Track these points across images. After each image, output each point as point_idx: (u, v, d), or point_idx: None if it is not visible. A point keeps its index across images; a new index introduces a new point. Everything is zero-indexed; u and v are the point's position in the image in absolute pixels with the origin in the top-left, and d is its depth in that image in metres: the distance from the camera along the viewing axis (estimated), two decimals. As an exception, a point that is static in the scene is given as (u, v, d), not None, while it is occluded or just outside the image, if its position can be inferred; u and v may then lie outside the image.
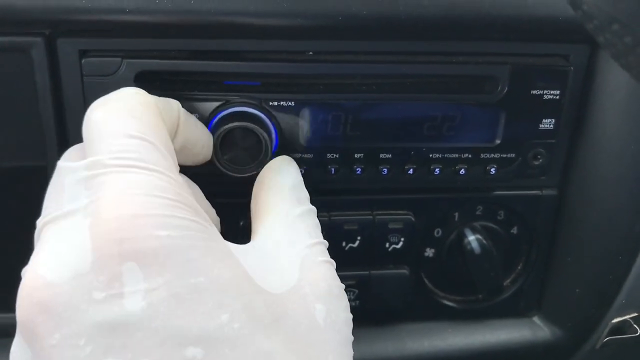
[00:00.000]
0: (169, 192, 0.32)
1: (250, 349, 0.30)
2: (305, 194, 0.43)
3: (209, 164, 0.47)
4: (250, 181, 0.45)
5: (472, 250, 0.57)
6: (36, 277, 0.30)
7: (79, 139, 0.46)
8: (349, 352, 0.36)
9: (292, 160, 0.47)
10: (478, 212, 0.58)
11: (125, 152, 0.33)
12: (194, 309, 0.29)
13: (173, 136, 0.40)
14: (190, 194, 0.34)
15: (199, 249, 0.31)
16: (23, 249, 0.35)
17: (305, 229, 0.39)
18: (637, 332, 0.61)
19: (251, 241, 0.39)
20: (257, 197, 0.43)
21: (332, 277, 0.37)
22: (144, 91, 0.38)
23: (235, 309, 0.30)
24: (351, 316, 0.37)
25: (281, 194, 0.42)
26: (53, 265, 0.30)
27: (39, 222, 0.34)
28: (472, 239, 0.58)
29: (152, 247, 0.30)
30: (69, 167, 0.34)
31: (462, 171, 0.53)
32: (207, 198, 0.44)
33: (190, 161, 0.44)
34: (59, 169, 0.35)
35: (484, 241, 0.57)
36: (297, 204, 0.41)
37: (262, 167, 0.46)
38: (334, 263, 0.39)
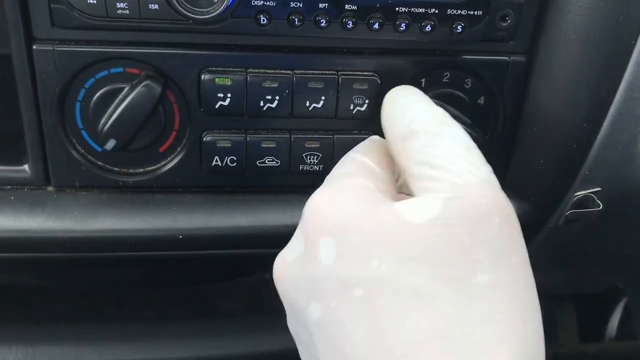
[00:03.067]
0: (366, 170, 0.42)
1: (399, 285, 0.35)
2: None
3: None
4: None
5: None
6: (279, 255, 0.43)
7: (42, 27, 0.50)
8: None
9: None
10: (445, 79, 0.58)
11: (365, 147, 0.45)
12: (355, 260, 0.37)
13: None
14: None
15: (366, 214, 0.38)
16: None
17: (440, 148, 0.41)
18: (600, 207, 0.62)
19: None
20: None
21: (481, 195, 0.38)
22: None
23: (380, 253, 0.36)
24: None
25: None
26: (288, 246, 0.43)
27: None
28: None
29: (337, 220, 0.38)
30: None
31: (429, 27, 0.52)
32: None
33: None
34: None
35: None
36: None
37: None
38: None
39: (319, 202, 0.40)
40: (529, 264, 0.38)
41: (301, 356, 0.43)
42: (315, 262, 0.38)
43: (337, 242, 0.38)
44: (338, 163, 0.44)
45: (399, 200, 0.39)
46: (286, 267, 0.41)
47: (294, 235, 0.43)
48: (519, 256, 0.38)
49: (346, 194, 0.40)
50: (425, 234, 0.36)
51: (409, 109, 0.43)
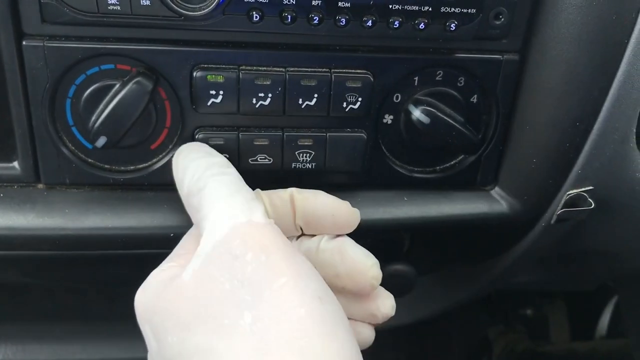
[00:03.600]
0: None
1: (189, 351, 0.40)
2: None
3: None
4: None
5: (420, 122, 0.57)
6: None
7: (32, 22, 0.50)
8: None
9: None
10: (438, 77, 0.58)
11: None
12: (158, 342, 0.43)
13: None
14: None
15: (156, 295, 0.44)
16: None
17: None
18: (592, 206, 0.62)
19: None
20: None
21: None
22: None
23: (170, 327, 0.41)
24: None
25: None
26: None
27: None
28: (417, 114, 0.57)
29: None
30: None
31: (422, 25, 0.52)
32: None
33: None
34: None
35: (430, 108, 0.57)
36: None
37: None
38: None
39: (139, 292, 0.45)
40: (303, 276, 0.41)
41: None
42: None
43: (151, 327, 0.43)
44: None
45: None
46: None
47: None
48: (284, 278, 0.40)
49: (151, 280, 0.45)
50: (193, 292, 0.41)
51: (184, 172, 0.49)
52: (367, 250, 0.50)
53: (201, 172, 0.47)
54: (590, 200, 0.62)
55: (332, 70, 0.55)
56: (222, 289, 0.40)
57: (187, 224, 0.58)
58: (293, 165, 0.58)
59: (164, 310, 0.42)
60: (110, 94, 0.53)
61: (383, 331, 0.56)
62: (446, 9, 0.52)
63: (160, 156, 0.57)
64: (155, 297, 0.43)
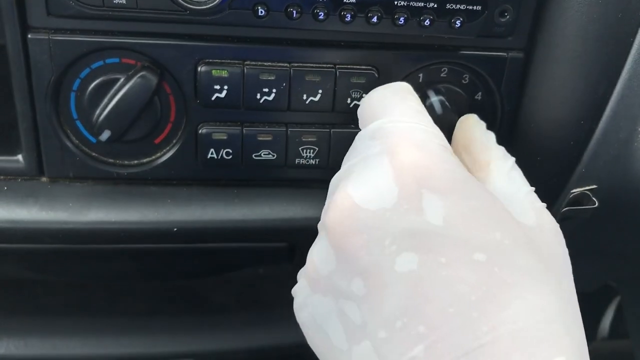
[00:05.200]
0: (440, 139, 0.43)
1: (513, 261, 0.37)
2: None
3: None
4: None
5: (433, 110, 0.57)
6: (346, 196, 0.40)
7: (38, 15, 0.50)
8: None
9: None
10: (443, 74, 0.58)
11: (401, 115, 0.44)
12: (476, 225, 0.38)
13: None
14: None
15: (470, 181, 0.41)
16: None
17: (520, 179, 0.47)
18: (596, 205, 0.62)
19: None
20: (472, 153, 0.49)
21: (554, 221, 0.45)
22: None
23: (506, 228, 0.38)
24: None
25: (493, 150, 0.49)
26: (363, 190, 0.40)
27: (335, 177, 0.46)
28: (434, 100, 0.57)
29: (442, 179, 0.39)
30: (358, 135, 0.45)
31: (427, 22, 0.52)
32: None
33: None
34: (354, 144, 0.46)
35: (447, 103, 0.57)
36: (506, 158, 0.48)
37: None
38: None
39: (415, 154, 0.41)
40: None
41: (322, 320, 0.41)
42: (418, 214, 0.38)
43: (446, 203, 0.38)
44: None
45: None
46: (362, 213, 0.39)
47: (373, 175, 0.41)
48: None
49: (444, 155, 0.42)
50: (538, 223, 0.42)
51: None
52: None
53: None
54: (594, 199, 0.61)
55: (337, 66, 0.55)
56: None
57: (190, 218, 0.58)
58: (297, 161, 0.58)
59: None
60: (115, 87, 0.53)
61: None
62: (452, 6, 0.52)
63: (164, 150, 0.57)
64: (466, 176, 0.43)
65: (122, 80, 0.53)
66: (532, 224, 0.42)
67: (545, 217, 0.44)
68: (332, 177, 0.60)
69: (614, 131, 0.57)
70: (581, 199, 0.62)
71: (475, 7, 0.52)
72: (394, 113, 0.44)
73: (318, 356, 0.43)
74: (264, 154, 0.57)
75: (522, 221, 0.42)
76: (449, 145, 0.44)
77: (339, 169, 0.59)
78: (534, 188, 0.46)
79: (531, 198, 0.45)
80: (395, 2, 0.51)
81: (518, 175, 0.47)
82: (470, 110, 0.58)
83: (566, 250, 0.43)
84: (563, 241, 0.43)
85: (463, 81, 0.58)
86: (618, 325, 1.23)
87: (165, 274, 0.78)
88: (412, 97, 0.47)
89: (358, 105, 0.56)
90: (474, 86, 0.58)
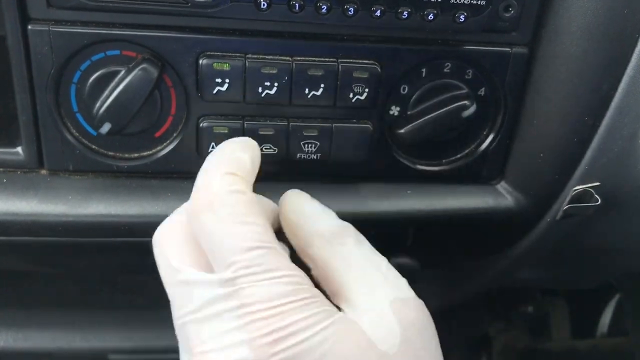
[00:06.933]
0: (299, 293, 0.40)
1: None
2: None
3: None
4: None
5: None
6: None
7: (38, 7, 0.50)
8: None
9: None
10: (446, 70, 0.57)
11: (252, 267, 0.40)
12: None
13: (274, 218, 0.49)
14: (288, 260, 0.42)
15: (330, 339, 0.39)
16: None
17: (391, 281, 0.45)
18: (598, 202, 0.61)
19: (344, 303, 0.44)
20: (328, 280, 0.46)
21: (428, 324, 0.45)
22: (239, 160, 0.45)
23: None
24: None
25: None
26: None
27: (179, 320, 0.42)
28: None
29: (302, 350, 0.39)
30: (201, 280, 0.41)
31: (431, 16, 0.52)
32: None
33: None
34: (186, 277, 0.42)
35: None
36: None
37: None
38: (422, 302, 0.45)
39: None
40: None
41: None
42: None
43: None
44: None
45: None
46: None
47: None
48: None
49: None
50: None
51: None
52: None
53: None
54: (597, 197, 0.61)
55: (340, 60, 0.54)
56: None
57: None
58: (298, 156, 0.57)
59: None
60: (116, 80, 0.52)
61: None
62: (456, 0, 0.51)
63: (165, 144, 0.57)
64: None
65: (122, 72, 0.52)
66: (396, 347, 0.41)
67: (413, 330, 0.43)
68: (333, 172, 0.60)
69: (617, 128, 0.57)
70: (584, 196, 0.61)
71: (479, 2, 0.52)
72: (237, 263, 0.40)
73: None
74: (265, 149, 0.56)
75: (389, 342, 0.41)
76: (304, 281, 0.42)
77: (341, 163, 0.59)
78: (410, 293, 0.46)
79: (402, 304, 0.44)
80: (399, -4, 0.51)
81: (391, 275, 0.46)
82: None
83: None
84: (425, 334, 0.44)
85: (466, 76, 0.58)
86: (617, 322, 1.23)
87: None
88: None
89: (360, 100, 0.56)
90: (477, 81, 0.58)
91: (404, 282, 0.46)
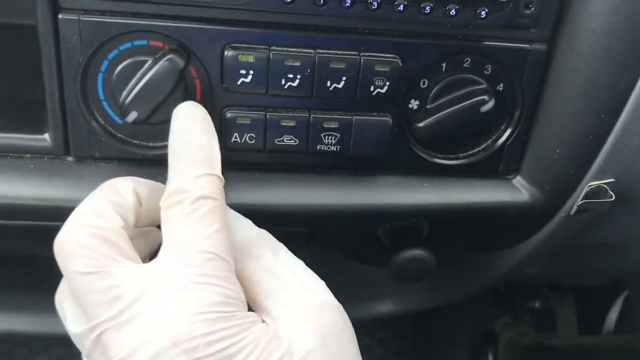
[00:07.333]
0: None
1: None
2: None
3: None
4: None
5: None
6: None
7: None
8: None
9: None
10: (466, 64, 0.58)
11: (121, 316, 0.41)
12: None
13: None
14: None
15: (247, 349, 0.41)
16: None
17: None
18: (613, 198, 0.62)
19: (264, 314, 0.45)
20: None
21: (344, 328, 0.46)
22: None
23: None
24: None
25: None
26: None
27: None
28: None
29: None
30: (74, 334, 0.44)
31: (453, 11, 0.52)
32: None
33: None
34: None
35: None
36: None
37: None
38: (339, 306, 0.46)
39: None
40: None
41: None
42: None
43: None
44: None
45: None
46: None
47: None
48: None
49: None
50: None
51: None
52: None
53: None
54: (611, 193, 0.62)
55: (362, 53, 0.55)
56: None
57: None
58: (318, 147, 0.58)
59: None
60: (142, 70, 0.53)
61: (390, 319, 0.57)
62: (478, -4, 0.52)
63: (189, 133, 0.58)
64: None
65: (149, 62, 0.53)
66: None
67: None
68: (352, 164, 0.61)
69: (634, 125, 0.58)
70: (598, 192, 0.62)
71: (501, -2, 0.53)
72: (106, 311, 0.42)
73: None
74: (287, 140, 0.57)
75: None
76: None
77: (359, 156, 0.60)
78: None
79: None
80: (422, -9, 0.52)
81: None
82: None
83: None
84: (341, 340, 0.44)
85: (485, 71, 0.58)
86: (624, 320, 1.24)
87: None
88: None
89: (381, 93, 0.57)
90: (496, 77, 0.59)
91: (321, 285, 0.46)
